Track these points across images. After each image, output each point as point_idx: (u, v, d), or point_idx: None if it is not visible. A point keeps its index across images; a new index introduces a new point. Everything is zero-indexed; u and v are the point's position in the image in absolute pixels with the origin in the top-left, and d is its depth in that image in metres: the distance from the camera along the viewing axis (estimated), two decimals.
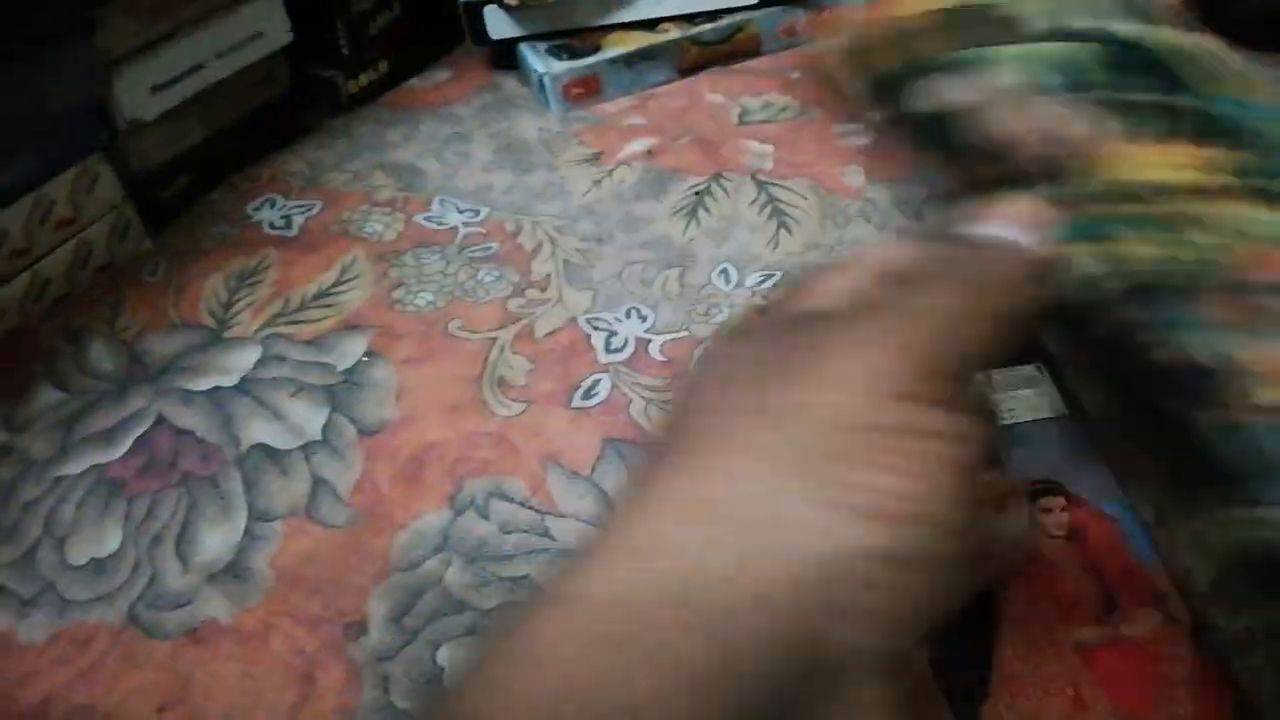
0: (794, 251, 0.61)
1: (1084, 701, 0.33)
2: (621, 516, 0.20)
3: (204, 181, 0.70)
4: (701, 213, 0.65)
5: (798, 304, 0.24)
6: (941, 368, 0.20)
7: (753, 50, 0.81)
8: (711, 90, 0.77)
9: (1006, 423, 0.41)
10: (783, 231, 0.62)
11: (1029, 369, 0.42)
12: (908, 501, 0.19)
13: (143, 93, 0.63)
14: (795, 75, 0.78)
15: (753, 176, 0.67)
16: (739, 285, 0.58)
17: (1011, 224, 0.25)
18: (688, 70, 0.79)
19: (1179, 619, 0.35)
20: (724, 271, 0.60)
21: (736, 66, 0.80)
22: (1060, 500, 0.39)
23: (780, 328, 0.23)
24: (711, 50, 0.79)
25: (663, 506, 0.20)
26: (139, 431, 0.52)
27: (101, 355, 0.57)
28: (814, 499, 0.18)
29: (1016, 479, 0.37)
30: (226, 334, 0.58)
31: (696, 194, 0.66)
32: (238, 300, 0.60)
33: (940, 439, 0.20)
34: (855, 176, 0.67)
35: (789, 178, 0.67)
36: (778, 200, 0.65)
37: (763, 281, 0.59)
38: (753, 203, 0.65)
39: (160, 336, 0.58)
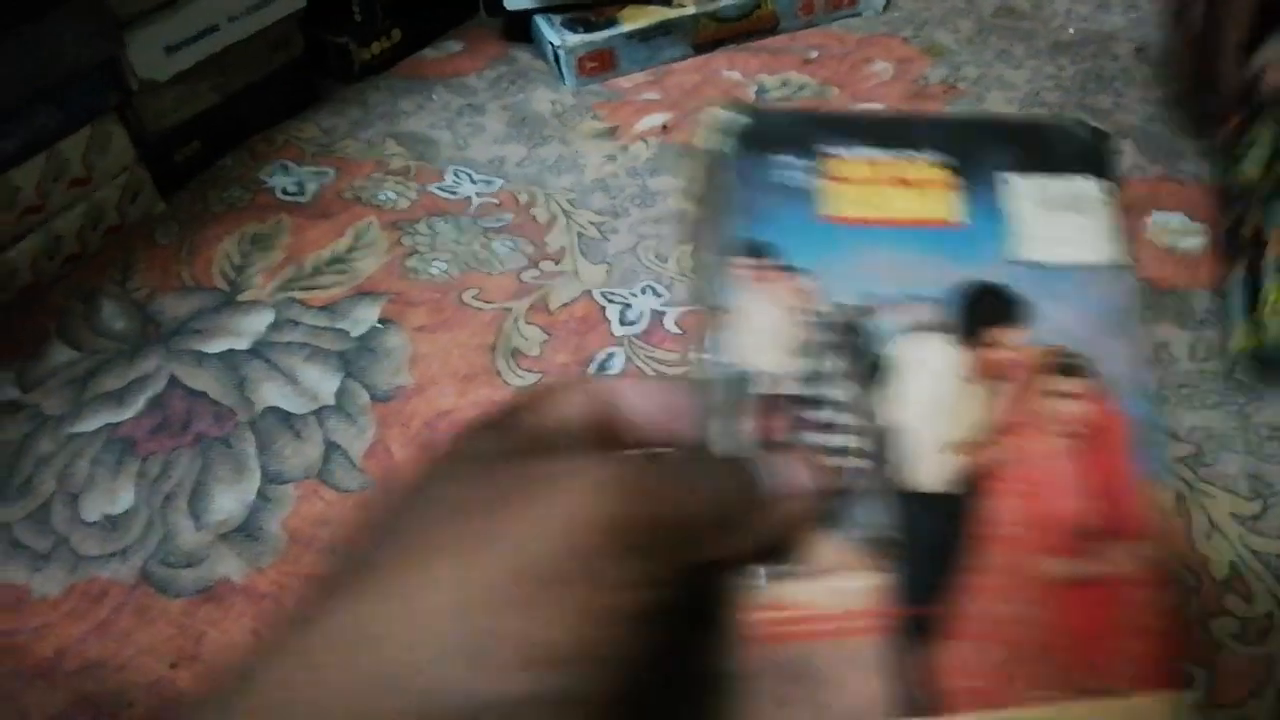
0: None
1: (1042, 651, 0.30)
2: (283, 634, 0.20)
3: (217, 145, 0.69)
4: None
5: (527, 423, 0.25)
6: (648, 527, 0.21)
7: (770, 28, 0.80)
8: (728, 67, 0.77)
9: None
10: None
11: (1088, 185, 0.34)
12: (565, 652, 0.20)
13: (156, 53, 0.62)
14: (813, 55, 0.78)
15: None
16: None
17: (777, 468, 0.25)
18: (704, 46, 0.78)
19: (1163, 560, 0.31)
20: None
21: (753, 44, 0.79)
22: (1080, 385, 0.32)
23: (498, 456, 0.23)
24: (729, 26, 0.78)
25: (324, 633, 0.20)
26: (152, 392, 0.52)
27: (113, 315, 0.57)
28: (471, 648, 0.19)
29: (1030, 351, 0.31)
30: (239, 297, 0.58)
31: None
32: (250, 264, 0.60)
33: (625, 591, 0.20)
34: None
35: None
36: None
37: None
38: None
39: (172, 298, 0.58)
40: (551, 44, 0.76)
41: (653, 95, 0.74)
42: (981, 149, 0.33)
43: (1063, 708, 0.29)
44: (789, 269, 0.30)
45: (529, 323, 0.55)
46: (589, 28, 0.76)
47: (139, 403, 0.51)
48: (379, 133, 0.72)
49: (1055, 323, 0.32)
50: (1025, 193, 0.33)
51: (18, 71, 0.55)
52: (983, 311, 0.31)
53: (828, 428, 0.29)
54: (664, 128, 0.71)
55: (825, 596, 0.28)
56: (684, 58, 0.78)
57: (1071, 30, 0.80)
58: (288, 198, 0.66)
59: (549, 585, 0.20)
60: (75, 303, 0.58)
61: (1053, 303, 0.32)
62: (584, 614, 0.20)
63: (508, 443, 0.24)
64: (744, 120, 0.31)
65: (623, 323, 0.55)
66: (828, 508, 0.28)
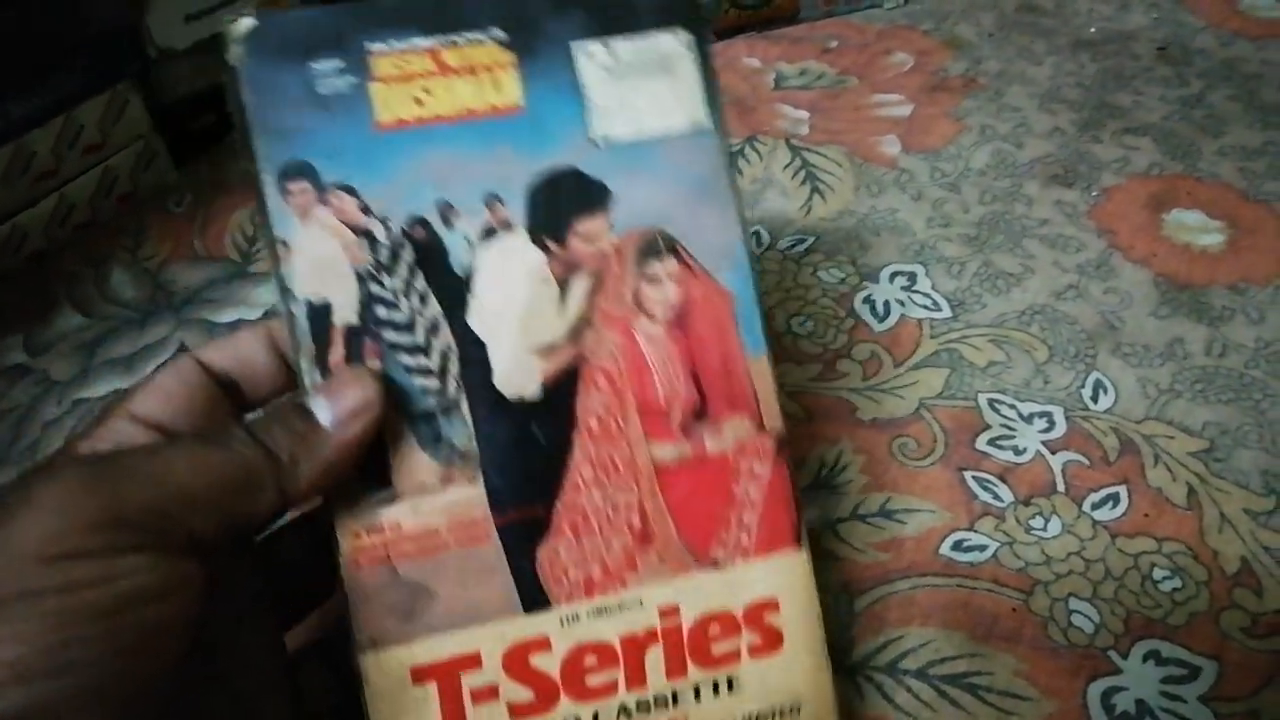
0: (827, 217, 0.60)
1: (650, 533, 0.29)
2: None
3: (233, 116, 0.69)
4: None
5: (91, 442, 0.26)
6: (113, 518, 0.22)
7: (791, 16, 0.80)
8: (748, 54, 0.76)
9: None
10: (816, 197, 0.62)
11: (669, 40, 0.31)
12: (34, 666, 0.20)
13: (176, 21, 0.62)
14: (833, 44, 0.77)
15: (787, 141, 0.67)
16: (770, 248, 0.58)
17: (330, 398, 0.26)
18: (724, 32, 0.78)
19: (769, 428, 0.30)
20: (755, 234, 0.59)
21: (774, 32, 0.79)
22: (672, 266, 0.30)
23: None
24: (749, 14, 0.78)
25: None
26: (161, 358, 0.52)
27: (124, 282, 0.57)
28: None
29: (614, 239, 0.30)
30: (251, 268, 0.57)
31: (729, 156, 0.65)
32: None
33: (100, 589, 0.21)
34: (891, 146, 0.66)
35: (823, 144, 0.66)
36: (812, 166, 0.64)
37: (794, 245, 0.58)
38: (786, 167, 0.64)
39: (184, 267, 0.58)
40: None
41: None
42: (547, 15, 0.30)
43: (685, 581, 0.29)
44: (340, 189, 0.28)
45: None
46: None
47: (148, 369, 0.51)
48: None
49: (640, 203, 0.30)
50: (599, 60, 0.30)
51: (39, 36, 0.55)
52: (558, 203, 0.29)
53: (410, 349, 0.28)
54: None
55: (424, 515, 0.28)
56: None
57: (1093, 29, 0.80)
58: None
59: (12, 603, 0.20)
60: (86, 269, 0.58)
61: (636, 181, 0.30)
62: (55, 623, 0.20)
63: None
64: (253, 24, 0.27)
65: None
66: (399, 429, 0.27)
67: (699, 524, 0.30)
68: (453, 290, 0.29)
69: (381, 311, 0.28)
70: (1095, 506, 0.43)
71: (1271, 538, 0.42)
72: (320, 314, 0.28)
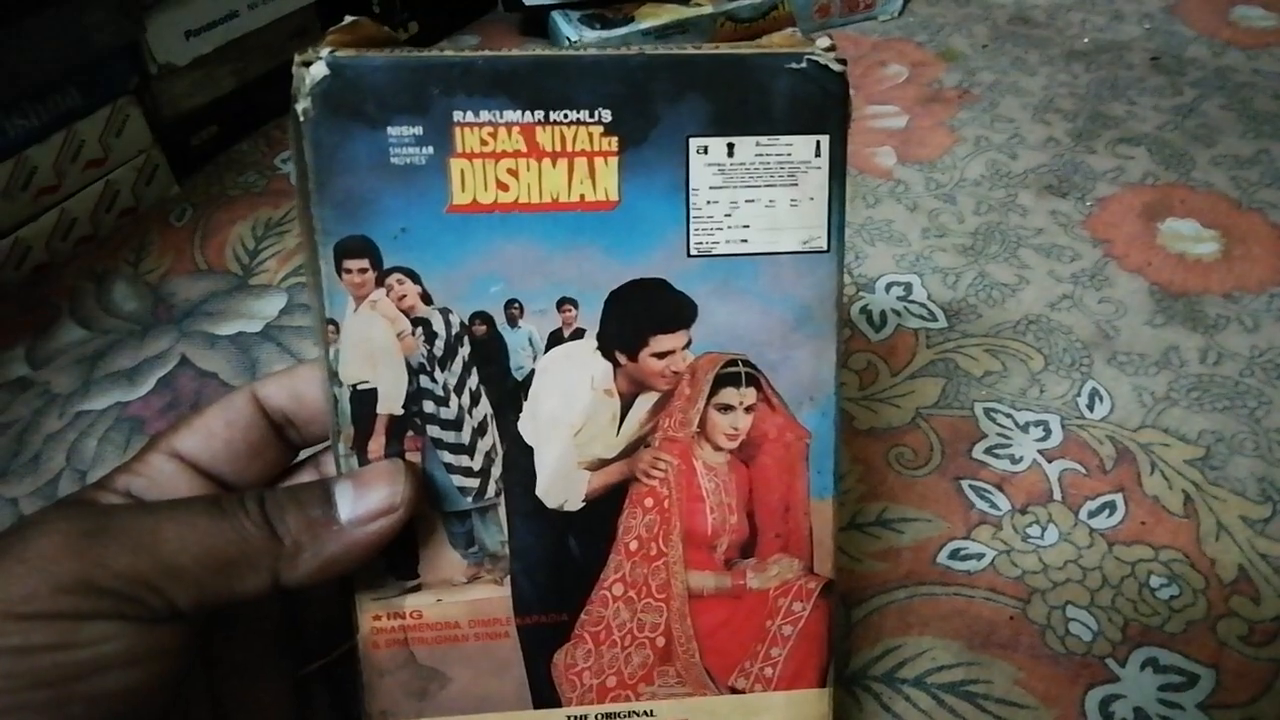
0: None
1: (672, 654, 0.29)
2: None
3: (233, 130, 0.69)
4: None
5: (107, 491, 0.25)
6: (109, 589, 0.21)
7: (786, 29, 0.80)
8: None
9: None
10: None
11: (803, 147, 0.27)
12: None
13: (176, 37, 0.62)
14: None
15: None
16: None
17: (356, 490, 0.25)
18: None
19: (819, 571, 0.29)
20: None
21: None
22: (749, 395, 0.28)
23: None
24: (745, 27, 0.79)
25: None
26: (162, 372, 0.52)
27: (125, 296, 0.57)
28: None
29: (692, 360, 0.27)
30: (252, 281, 0.58)
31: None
32: (264, 249, 0.60)
33: (56, 654, 0.21)
34: (886, 157, 0.66)
35: None
36: None
37: None
38: None
39: (185, 280, 0.58)
40: (568, 39, 0.76)
41: None
42: (666, 100, 0.25)
43: (700, 702, 0.29)
44: (403, 272, 0.25)
45: None
46: (606, 24, 0.76)
47: (149, 382, 0.52)
48: None
49: (728, 324, 0.27)
50: (714, 160, 0.26)
51: (41, 52, 0.55)
52: (637, 316, 0.27)
53: (454, 448, 0.27)
54: None
55: (446, 607, 0.27)
56: None
57: (1086, 39, 0.80)
58: None
59: None
60: (87, 283, 0.58)
61: (728, 301, 0.27)
62: (3, 685, 0.20)
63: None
64: (327, 76, 0.24)
65: None
66: (432, 525, 0.27)
67: (725, 652, 0.29)
68: (507, 392, 0.27)
69: (429, 406, 0.26)
70: (1092, 515, 0.44)
71: (1268, 545, 0.42)
72: (364, 400, 0.26)
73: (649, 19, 0.76)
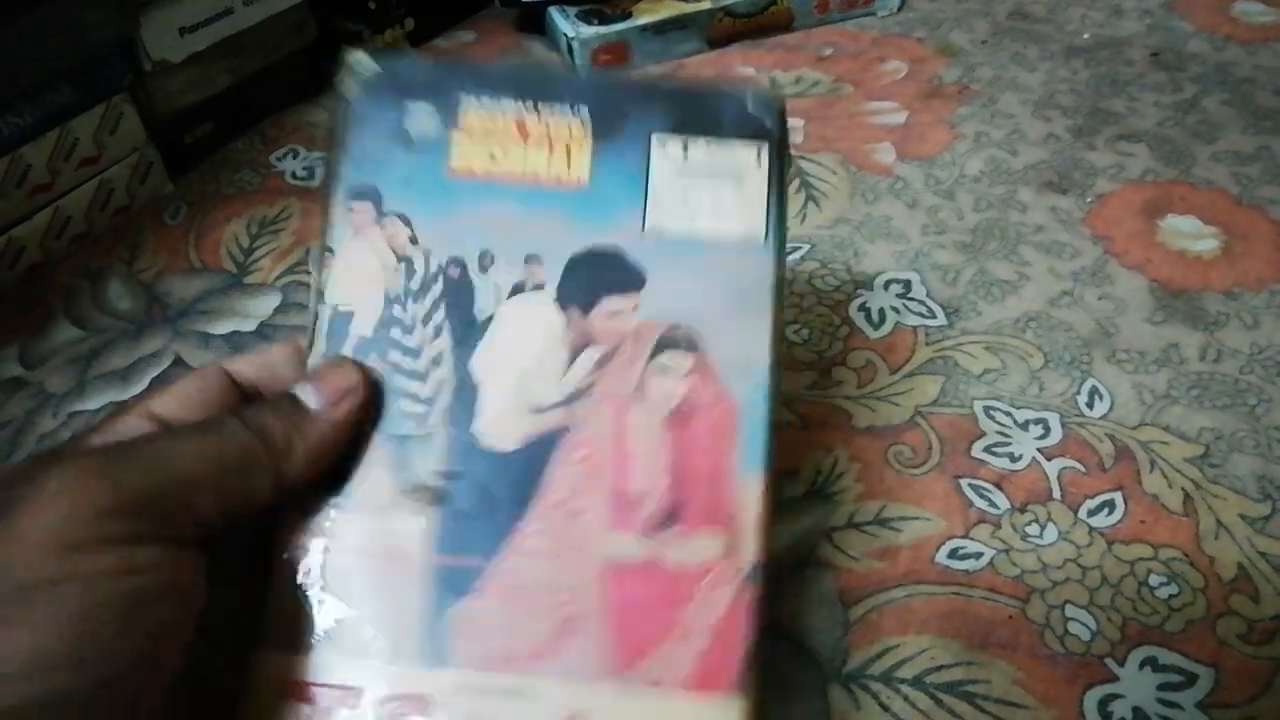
0: (822, 225, 0.60)
1: (578, 625, 0.27)
2: None
3: (228, 128, 0.69)
4: None
5: (125, 421, 0.26)
6: (130, 505, 0.22)
7: (785, 25, 0.80)
8: (742, 62, 0.77)
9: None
10: (811, 205, 0.62)
11: (746, 152, 0.31)
12: (59, 653, 0.20)
13: (170, 34, 0.62)
14: (827, 52, 0.78)
15: None
16: None
17: (315, 384, 0.27)
18: (718, 41, 0.78)
19: (742, 556, 0.28)
20: None
21: (768, 40, 0.79)
22: (688, 361, 0.29)
23: (13, 472, 0.24)
24: (744, 22, 0.78)
25: None
26: (156, 371, 0.52)
27: (120, 295, 0.57)
28: None
29: (637, 322, 0.29)
30: (246, 279, 0.58)
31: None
32: (258, 247, 0.60)
33: (111, 579, 0.21)
34: (886, 153, 0.66)
35: (819, 152, 0.66)
36: (807, 174, 0.64)
37: (789, 253, 0.58)
38: None
39: (179, 279, 0.58)
40: (565, 35, 0.75)
41: None
42: (635, 105, 0.31)
43: (600, 692, 0.27)
44: (397, 216, 0.30)
45: None
46: (603, 20, 0.76)
47: (143, 381, 0.51)
48: None
49: (673, 296, 0.30)
50: (671, 156, 0.31)
51: (35, 49, 0.55)
52: (593, 278, 0.30)
53: (408, 373, 0.29)
54: None
55: (366, 532, 0.27)
56: (698, 53, 0.78)
57: (1086, 35, 0.80)
58: (297, 182, 0.65)
59: (32, 592, 0.20)
60: (82, 281, 0.58)
61: (675, 275, 0.30)
62: (77, 613, 0.21)
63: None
64: (374, 67, 0.31)
65: None
66: (371, 444, 0.28)
67: (634, 632, 0.28)
68: (467, 331, 0.29)
69: (396, 333, 0.29)
70: (1091, 513, 0.43)
71: (1268, 543, 0.42)
72: (342, 320, 0.29)
73: (646, 14, 0.76)
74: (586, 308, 0.30)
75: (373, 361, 0.29)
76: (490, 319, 0.30)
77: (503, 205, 0.30)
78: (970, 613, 0.40)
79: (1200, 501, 0.43)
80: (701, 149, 0.31)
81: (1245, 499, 0.44)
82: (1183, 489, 0.44)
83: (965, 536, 0.43)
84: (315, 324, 0.29)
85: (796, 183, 0.64)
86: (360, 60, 0.31)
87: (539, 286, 0.30)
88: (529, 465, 0.29)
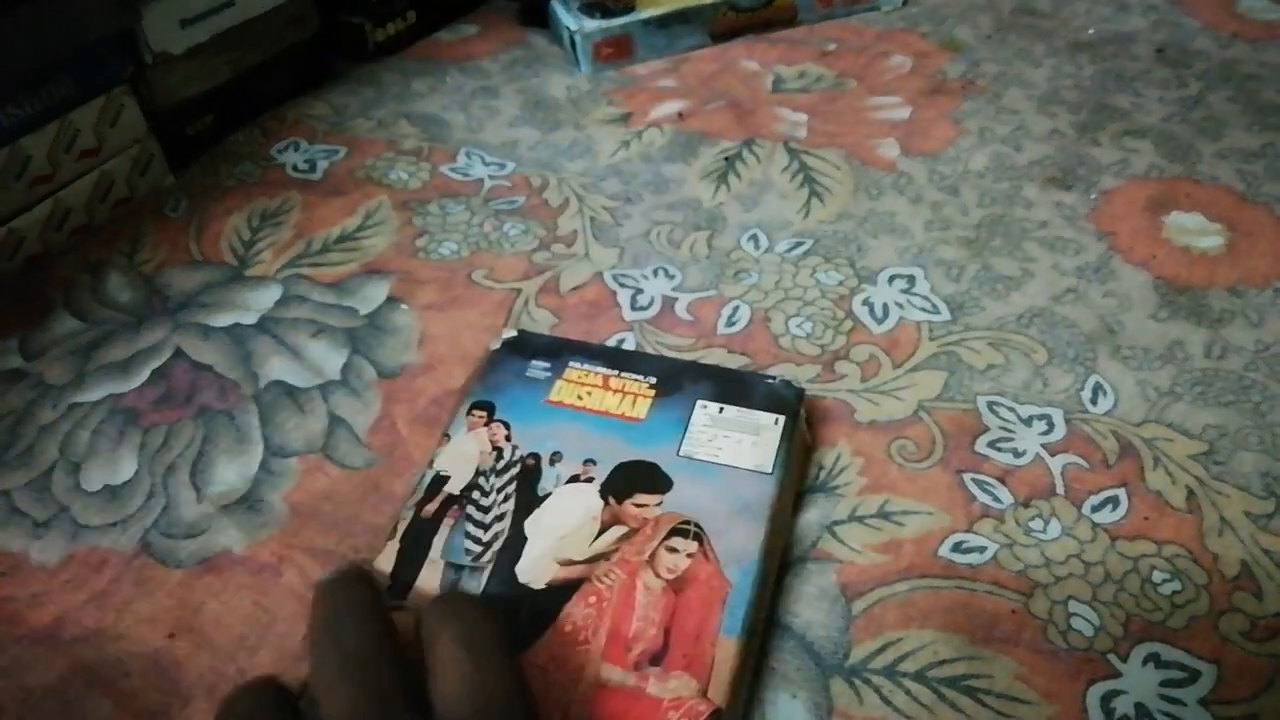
0: (826, 220, 0.60)
1: None
2: None
3: (228, 121, 0.69)
4: (732, 177, 0.64)
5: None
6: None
7: (789, 19, 0.80)
8: (746, 57, 0.76)
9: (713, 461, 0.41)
10: (815, 200, 0.62)
11: (766, 419, 0.43)
12: (505, 690, 0.29)
13: (171, 26, 0.62)
14: (831, 47, 0.77)
15: (785, 144, 0.66)
16: (768, 250, 0.58)
17: None
18: (722, 36, 0.78)
19: (711, 697, 0.34)
20: (753, 236, 0.59)
21: (772, 35, 0.79)
22: (691, 546, 0.38)
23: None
24: (747, 17, 0.78)
25: None
26: (156, 363, 0.52)
27: (120, 287, 0.57)
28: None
29: (659, 513, 0.39)
30: (247, 272, 0.57)
31: (727, 159, 0.65)
32: (259, 239, 0.60)
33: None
34: (890, 149, 0.66)
35: (822, 147, 0.66)
36: (810, 169, 0.64)
37: (793, 248, 0.58)
38: (784, 170, 0.64)
39: (180, 271, 0.58)
40: (568, 29, 0.75)
41: (669, 83, 0.74)
42: (691, 380, 0.44)
43: None
44: (501, 422, 0.43)
45: (540, 305, 0.55)
46: (606, 14, 0.75)
47: (143, 374, 0.51)
48: (391, 113, 0.71)
49: (691, 499, 0.40)
50: (709, 413, 0.43)
51: (36, 40, 0.55)
52: (631, 478, 0.41)
53: (477, 523, 0.40)
54: (679, 115, 0.70)
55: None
56: (701, 47, 0.78)
57: (1091, 30, 0.80)
58: (298, 174, 0.65)
59: (490, 655, 0.29)
60: (82, 274, 0.58)
61: (695, 486, 0.40)
62: (508, 672, 0.29)
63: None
64: (512, 335, 0.47)
65: (634, 307, 0.54)
66: (437, 568, 0.38)
67: None
68: (529, 502, 0.40)
69: (475, 495, 0.41)
70: (1095, 509, 0.43)
71: (1271, 541, 0.42)
72: (440, 479, 0.42)
73: (649, 8, 0.76)
74: (621, 498, 0.40)
75: (452, 512, 0.40)
76: (548, 495, 0.40)
77: (579, 426, 0.43)
78: (973, 607, 0.40)
79: (1204, 498, 0.43)
80: (733, 412, 0.43)
81: (1249, 496, 0.43)
82: (1186, 486, 0.44)
83: (968, 531, 0.42)
84: (420, 479, 0.41)
85: (800, 178, 0.64)
86: (507, 332, 0.47)
87: (589, 479, 0.41)
88: (551, 601, 0.37)
